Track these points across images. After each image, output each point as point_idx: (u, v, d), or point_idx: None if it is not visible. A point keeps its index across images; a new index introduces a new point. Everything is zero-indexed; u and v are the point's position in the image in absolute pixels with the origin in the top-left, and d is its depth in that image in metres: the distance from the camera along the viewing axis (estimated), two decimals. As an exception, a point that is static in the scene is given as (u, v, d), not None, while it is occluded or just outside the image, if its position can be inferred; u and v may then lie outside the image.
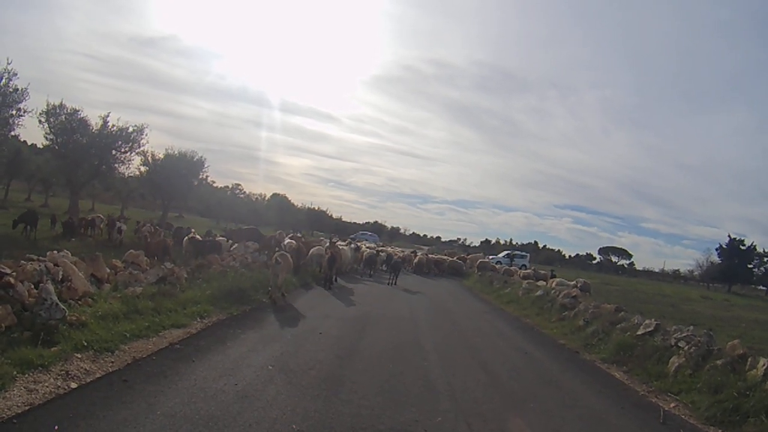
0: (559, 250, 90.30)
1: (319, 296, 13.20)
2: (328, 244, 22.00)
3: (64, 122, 26.37)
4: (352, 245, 24.01)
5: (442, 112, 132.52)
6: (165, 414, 4.27)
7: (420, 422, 4.88)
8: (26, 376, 4.64)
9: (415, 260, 29.05)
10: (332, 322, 9.67)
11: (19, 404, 4.10)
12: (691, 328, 9.21)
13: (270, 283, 11.63)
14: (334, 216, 75.05)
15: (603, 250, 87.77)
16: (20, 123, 22.70)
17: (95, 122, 27.72)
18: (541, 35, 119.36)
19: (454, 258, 34.57)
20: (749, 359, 7.17)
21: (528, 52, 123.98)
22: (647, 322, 9.90)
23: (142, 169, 34.15)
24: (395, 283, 19.26)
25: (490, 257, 42.70)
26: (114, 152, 29.03)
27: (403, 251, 34.10)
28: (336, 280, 16.46)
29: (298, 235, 27.52)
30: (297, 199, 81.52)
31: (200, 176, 38.67)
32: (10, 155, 30.26)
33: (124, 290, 8.37)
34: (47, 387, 4.52)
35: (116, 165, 30.11)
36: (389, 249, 33.04)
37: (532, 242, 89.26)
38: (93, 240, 20.65)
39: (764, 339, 13.79)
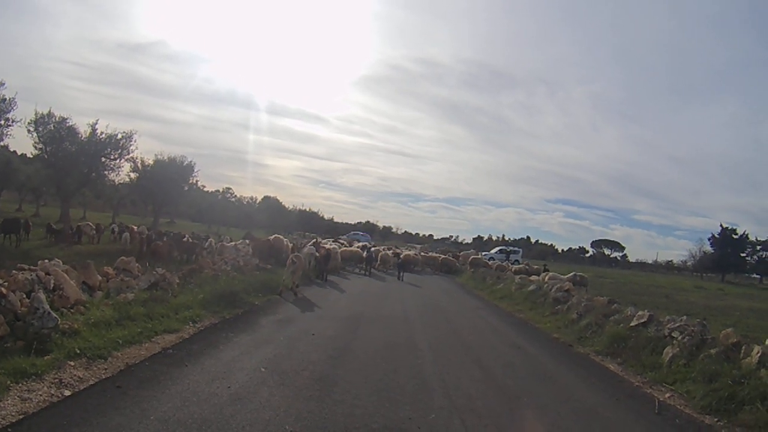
0: (551, 245, 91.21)
1: (312, 296, 13.19)
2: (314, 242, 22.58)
3: (52, 131, 26.23)
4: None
5: (432, 111, 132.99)
6: (158, 419, 4.26)
7: (414, 420, 4.88)
8: (20, 385, 4.62)
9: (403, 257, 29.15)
10: (326, 322, 9.67)
11: (13, 413, 4.08)
12: (685, 318, 9.27)
13: (283, 280, 12.98)
14: (325, 217, 75.23)
15: (596, 243, 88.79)
16: (9, 133, 22.67)
17: (84, 130, 27.67)
18: (528, 31, 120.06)
19: (447, 255, 34.70)
20: (743, 347, 7.18)
21: (516, 49, 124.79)
22: (640, 313, 9.96)
23: (132, 175, 34.09)
24: (402, 279, 22.06)
25: (483, 253, 42.84)
26: (103, 159, 28.96)
27: (393, 249, 34.22)
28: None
29: (290, 235, 27.54)
30: (288, 201, 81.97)
31: (190, 181, 38.60)
32: (-1, 166, 30.04)
33: (116, 297, 8.34)
34: (41, 395, 4.51)
35: (106, 172, 30.10)
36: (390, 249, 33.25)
37: (525, 237, 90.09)
38: (83, 247, 20.48)
39: (758, 327, 13.93)
